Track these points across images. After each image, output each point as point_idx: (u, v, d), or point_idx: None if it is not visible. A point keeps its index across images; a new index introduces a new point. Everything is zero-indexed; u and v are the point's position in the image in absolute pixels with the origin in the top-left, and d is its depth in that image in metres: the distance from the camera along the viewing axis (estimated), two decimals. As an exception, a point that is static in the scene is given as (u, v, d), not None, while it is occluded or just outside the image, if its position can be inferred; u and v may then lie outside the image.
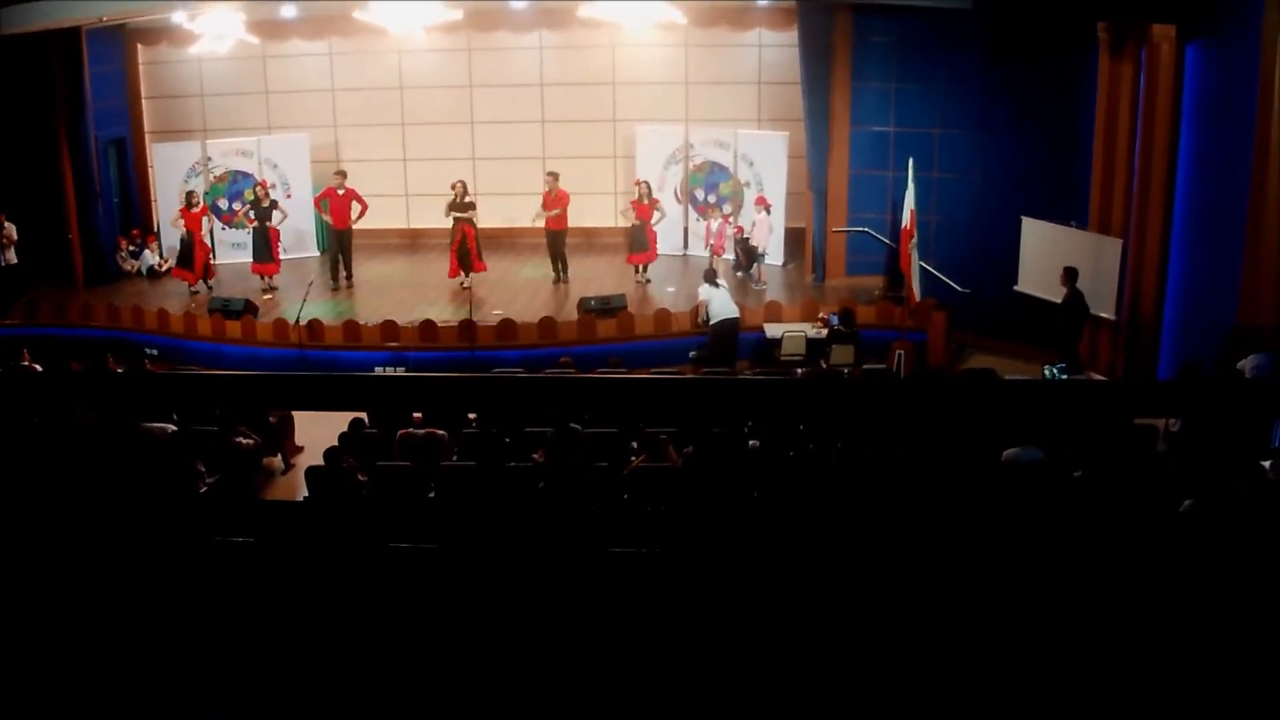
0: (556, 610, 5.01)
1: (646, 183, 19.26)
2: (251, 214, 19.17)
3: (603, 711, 4.79)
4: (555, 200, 18.86)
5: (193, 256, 18.95)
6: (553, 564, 5.29)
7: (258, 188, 19.53)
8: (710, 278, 16.51)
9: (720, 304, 16.23)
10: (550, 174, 19.11)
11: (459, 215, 18.48)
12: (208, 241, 19.66)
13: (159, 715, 4.86)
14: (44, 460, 9.59)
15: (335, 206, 19.05)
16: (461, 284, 18.71)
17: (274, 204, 19.27)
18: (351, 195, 19.04)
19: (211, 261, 19.59)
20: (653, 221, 18.92)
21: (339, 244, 19.33)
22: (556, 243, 19.15)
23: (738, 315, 16.35)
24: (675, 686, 4.75)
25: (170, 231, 20.39)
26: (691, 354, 16.64)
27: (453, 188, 18.68)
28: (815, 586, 4.93)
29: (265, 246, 19.03)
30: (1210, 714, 4.45)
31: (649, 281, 19.06)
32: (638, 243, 18.99)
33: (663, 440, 10.73)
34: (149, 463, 10.92)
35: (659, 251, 19.28)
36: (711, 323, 16.20)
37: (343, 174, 19.30)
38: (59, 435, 10.67)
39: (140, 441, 11.38)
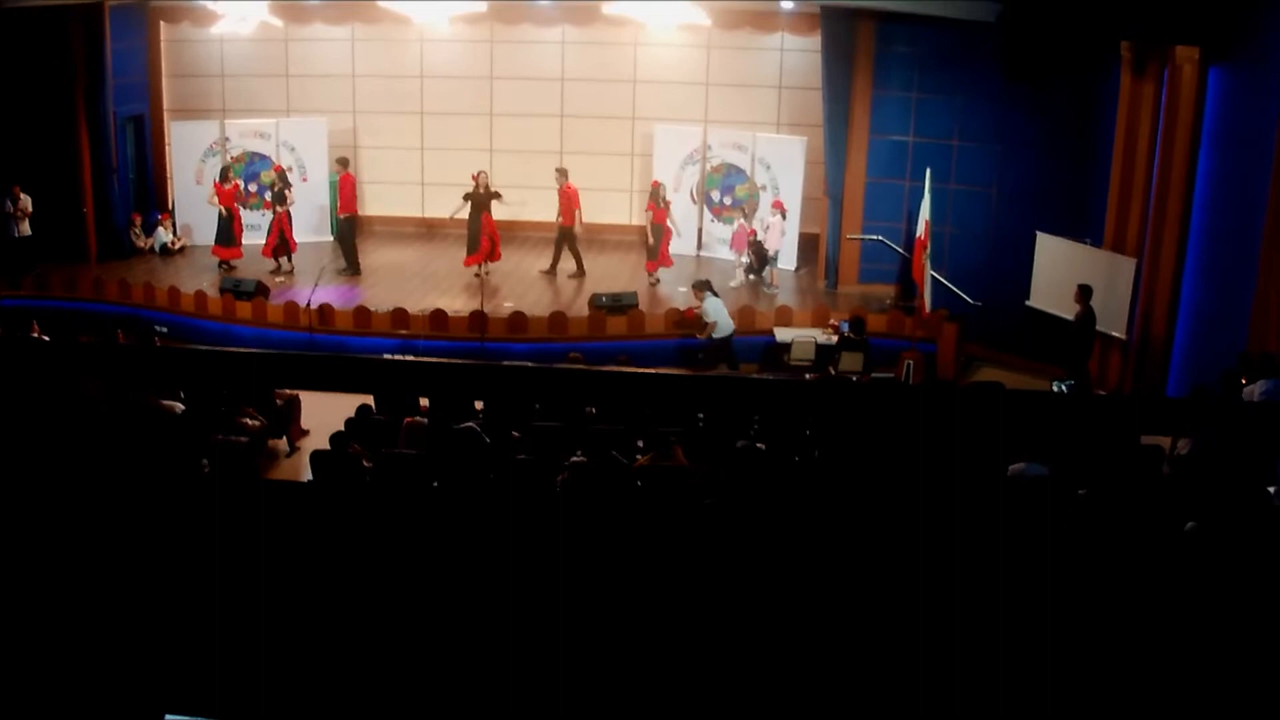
0: (556, 602, 5.02)
1: (662, 185, 19.21)
2: (269, 198, 19.20)
3: (599, 706, 4.79)
4: (563, 197, 18.83)
5: (233, 233, 19.06)
6: (554, 554, 5.29)
7: (273, 172, 19.56)
8: (709, 287, 16.31)
9: (722, 316, 16.13)
10: (559, 170, 19.07)
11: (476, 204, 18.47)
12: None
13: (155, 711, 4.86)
14: (47, 432, 9.60)
15: (341, 193, 19.15)
16: (477, 274, 18.73)
17: (286, 188, 19.28)
18: (347, 182, 19.11)
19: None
20: (668, 222, 18.84)
21: (341, 230, 19.39)
22: (567, 238, 19.13)
23: (733, 328, 16.32)
24: (665, 686, 4.76)
25: (185, 209, 20.45)
26: (701, 355, 16.63)
27: (474, 179, 18.67)
28: (802, 598, 4.93)
29: (274, 230, 19.08)
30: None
31: (657, 283, 18.99)
32: (654, 250, 18.95)
33: (670, 441, 10.70)
34: (155, 439, 10.92)
35: (670, 255, 19.18)
36: (716, 337, 16.11)
37: (344, 161, 19.31)
38: (63, 407, 10.67)
39: (149, 416, 11.38)
